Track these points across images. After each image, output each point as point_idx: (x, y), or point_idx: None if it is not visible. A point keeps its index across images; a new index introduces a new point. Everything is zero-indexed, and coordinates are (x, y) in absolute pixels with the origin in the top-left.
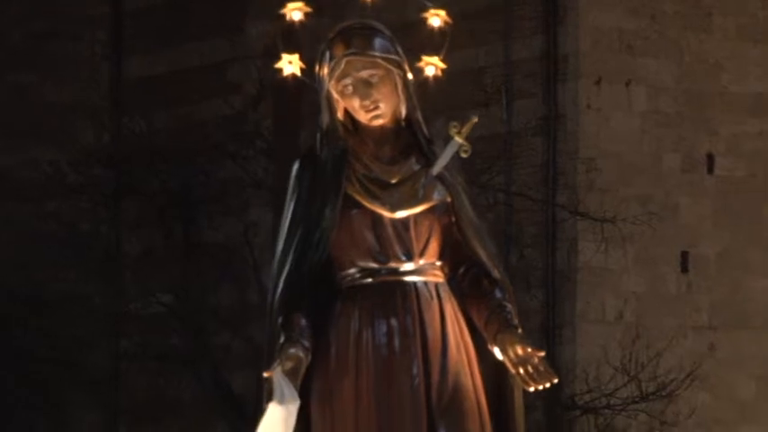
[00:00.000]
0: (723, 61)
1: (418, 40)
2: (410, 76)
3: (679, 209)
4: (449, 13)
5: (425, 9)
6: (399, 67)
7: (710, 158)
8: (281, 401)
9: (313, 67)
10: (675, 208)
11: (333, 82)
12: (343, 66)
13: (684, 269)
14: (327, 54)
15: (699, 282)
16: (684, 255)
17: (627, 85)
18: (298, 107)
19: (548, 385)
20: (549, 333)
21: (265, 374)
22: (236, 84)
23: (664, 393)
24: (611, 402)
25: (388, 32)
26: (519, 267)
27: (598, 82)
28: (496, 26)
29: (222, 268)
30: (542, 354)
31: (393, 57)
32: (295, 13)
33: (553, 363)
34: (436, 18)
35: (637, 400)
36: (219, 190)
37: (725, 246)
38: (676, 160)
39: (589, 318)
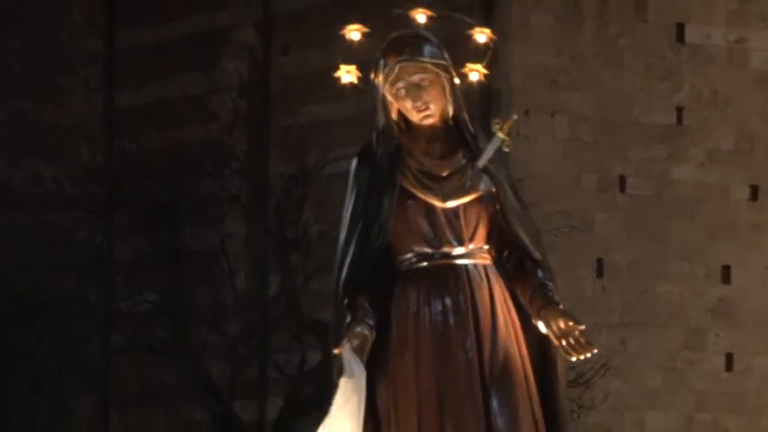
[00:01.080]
0: (634, 95)
1: (463, 52)
2: (456, 80)
3: (595, 223)
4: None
5: (470, 27)
6: (447, 71)
7: (622, 179)
8: (351, 376)
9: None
10: (592, 222)
11: (387, 86)
12: (396, 71)
13: (600, 274)
14: (382, 61)
15: (612, 286)
16: (600, 262)
17: (551, 115)
18: (267, 133)
19: (588, 356)
20: None
21: (335, 351)
22: (214, 112)
23: (581, 381)
24: None
25: (435, 40)
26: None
27: (527, 113)
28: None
29: (201, 273)
30: (582, 327)
31: (441, 62)
32: (354, 33)
33: None
34: (482, 35)
35: None
36: (199, 204)
37: (634, 255)
38: (593, 181)
39: None
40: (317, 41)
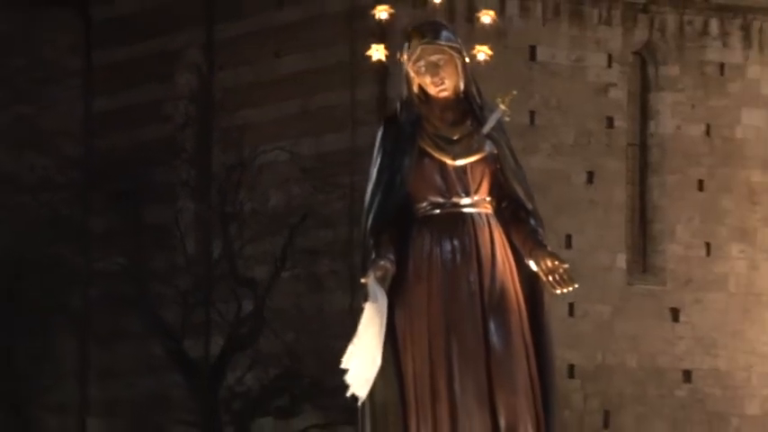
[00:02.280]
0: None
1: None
2: (467, 59)
3: None
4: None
5: (478, 9)
6: (459, 53)
7: None
8: (375, 300)
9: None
10: None
11: (410, 64)
12: (418, 52)
13: None
14: (407, 44)
15: None
16: None
17: None
18: (211, 131)
19: (570, 289)
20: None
21: (362, 281)
22: (169, 116)
23: None
24: None
25: (450, 27)
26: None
27: None
28: (345, 76)
29: (158, 241)
30: (566, 266)
31: (455, 45)
32: (382, 13)
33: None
34: (487, 16)
35: None
36: (157, 187)
37: None
38: None
39: None
40: (249, 61)
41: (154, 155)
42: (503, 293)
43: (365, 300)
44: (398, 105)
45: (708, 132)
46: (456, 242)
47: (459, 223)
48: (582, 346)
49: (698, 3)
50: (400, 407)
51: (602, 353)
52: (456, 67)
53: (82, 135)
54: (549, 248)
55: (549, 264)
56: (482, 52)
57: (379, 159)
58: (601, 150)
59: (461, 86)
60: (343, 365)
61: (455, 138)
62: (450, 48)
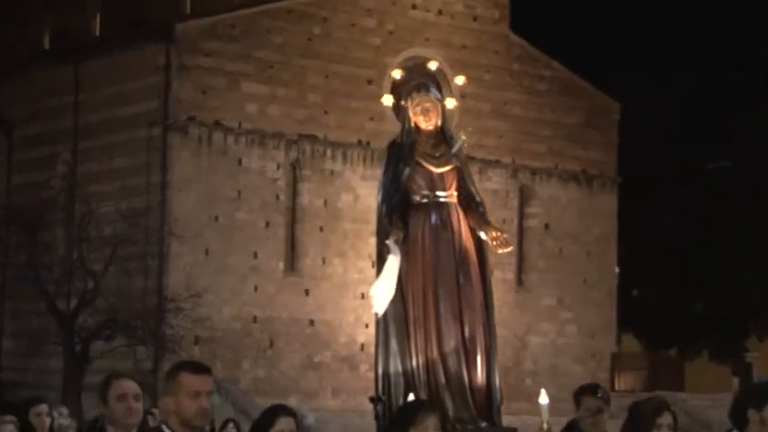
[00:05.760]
0: (231, 189)
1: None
2: (445, 105)
3: (204, 234)
4: None
5: (457, 74)
6: (440, 101)
7: (217, 218)
8: (395, 254)
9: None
10: (202, 234)
11: (411, 107)
12: (417, 100)
13: (207, 254)
14: (409, 95)
15: (209, 260)
16: (207, 251)
17: (197, 195)
18: (73, 197)
19: (509, 249)
20: (160, 274)
21: (386, 242)
22: (52, 186)
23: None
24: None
25: (436, 82)
26: (168, 254)
27: (180, 189)
28: (144, 170)
29: (45, 250)
30: (507, 235)
31: (439, 96)
32: (396, 73)
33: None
34: (461, 78)
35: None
36: (45, 222)
37: (219, 247)
38: (210, 218)
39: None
40: (96, 159)
41: (44, 207)
42: (466, 252)
43: (388, 253)
44: (401, 134)
45: (325, 204)
46: (438, 220)
47: (439, 208)
48: (260, 305)
49: (320, 140)
50: (403, 319)
51: (272, 310)
52: (438, 110)
53: (5, 195)
54: (493, 224)
55: (494, 234)
56: (451, 102)
57: (391, 170)
58: (272, 211)
59: (439, 123)
60: (371, 292)
61: (437, 155)
62: (436, 98)
